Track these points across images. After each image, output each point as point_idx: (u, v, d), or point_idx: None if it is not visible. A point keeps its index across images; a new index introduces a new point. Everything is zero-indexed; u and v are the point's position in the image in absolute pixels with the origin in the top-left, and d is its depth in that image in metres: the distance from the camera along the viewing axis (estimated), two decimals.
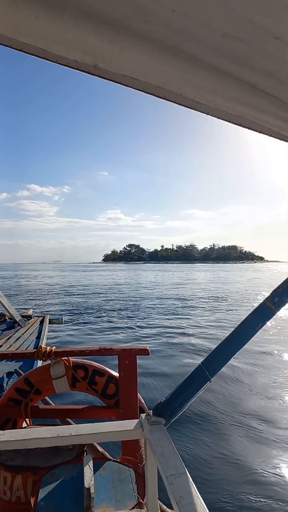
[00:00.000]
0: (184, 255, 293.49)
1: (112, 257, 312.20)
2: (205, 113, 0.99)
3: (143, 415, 1.49)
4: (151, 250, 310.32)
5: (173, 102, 0.95)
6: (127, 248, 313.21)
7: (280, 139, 1.08)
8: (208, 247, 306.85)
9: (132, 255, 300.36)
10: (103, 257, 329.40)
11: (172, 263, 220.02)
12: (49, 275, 63.11)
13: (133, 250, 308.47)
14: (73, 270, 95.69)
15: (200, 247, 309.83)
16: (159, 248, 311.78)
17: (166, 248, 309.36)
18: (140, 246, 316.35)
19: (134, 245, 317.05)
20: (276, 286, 1.26)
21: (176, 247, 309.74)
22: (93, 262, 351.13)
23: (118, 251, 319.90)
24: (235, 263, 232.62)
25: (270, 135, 1.07)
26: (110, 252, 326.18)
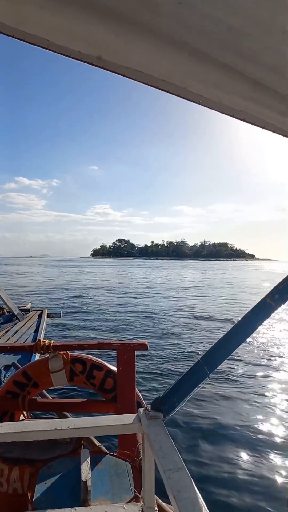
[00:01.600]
0: (175, 251, 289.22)
1: (101, 252, 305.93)
2: (209, 108, 0.98)
3: (141, 410, 1.50)
4: (141, 246, 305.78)
5: (176, 95, 0.94)
6: (117, 243, 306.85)
7: (283, 135, 1.07)
8: (199, 243, 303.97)
9: (122, 250, 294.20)
10: (92, 252, 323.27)
11: (163, 259, 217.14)
12: (23, 271, 55.44)
13: (123, 245, 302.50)
14: (54, 265, 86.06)
15: (189, 243, 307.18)
16: (148, 244, 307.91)
17: (157, 244, 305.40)
18: (130, 241, 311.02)
19: (123, 240, 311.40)
20: (277, 283, 1.26)
21: (167, 243, 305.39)
22: (81, 257, 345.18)
23: (107, 246, 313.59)
24: (227, 260, 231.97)
25: (273, 131, 1.06)
26: (99, 247, 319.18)
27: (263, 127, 1.05)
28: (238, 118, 1.02)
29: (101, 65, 0.88)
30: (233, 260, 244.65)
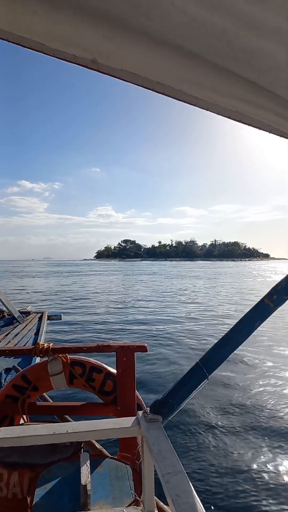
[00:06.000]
0: (185, 251, 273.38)
1: (106, 254, 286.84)
2: (204, 109, 0.98)
3: (140, 413, 1.49)
4: (148, 246, 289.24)
5: (172, 97, 0.94)
6: (122, 244, 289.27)
7: (280, 135, 1.07)
8: (209, 243, 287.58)
9: (128, 251, 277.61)
10: (96, 254, 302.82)
11: (172, 261, 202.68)
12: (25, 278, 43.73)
13: (129, 246, 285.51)
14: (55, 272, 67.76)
15: (198, 243, 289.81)
16: (154, 244, 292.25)
17: (164, 244, 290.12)
18: (136, 242, 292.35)
19: (129, 240, 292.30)
20: (275, 284, 1.25)
21: (176, 243, 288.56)
22: (85, 259, 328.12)
23: (112, 247, 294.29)
24: (241, 260, 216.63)
25: (270, 132, 1.06)
26: (104, 249, 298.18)
27: (259, 128, 1.05)
28: (234, 119, 1.02)
29: (96, 68, 0.88)
30: (248, 260, 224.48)
